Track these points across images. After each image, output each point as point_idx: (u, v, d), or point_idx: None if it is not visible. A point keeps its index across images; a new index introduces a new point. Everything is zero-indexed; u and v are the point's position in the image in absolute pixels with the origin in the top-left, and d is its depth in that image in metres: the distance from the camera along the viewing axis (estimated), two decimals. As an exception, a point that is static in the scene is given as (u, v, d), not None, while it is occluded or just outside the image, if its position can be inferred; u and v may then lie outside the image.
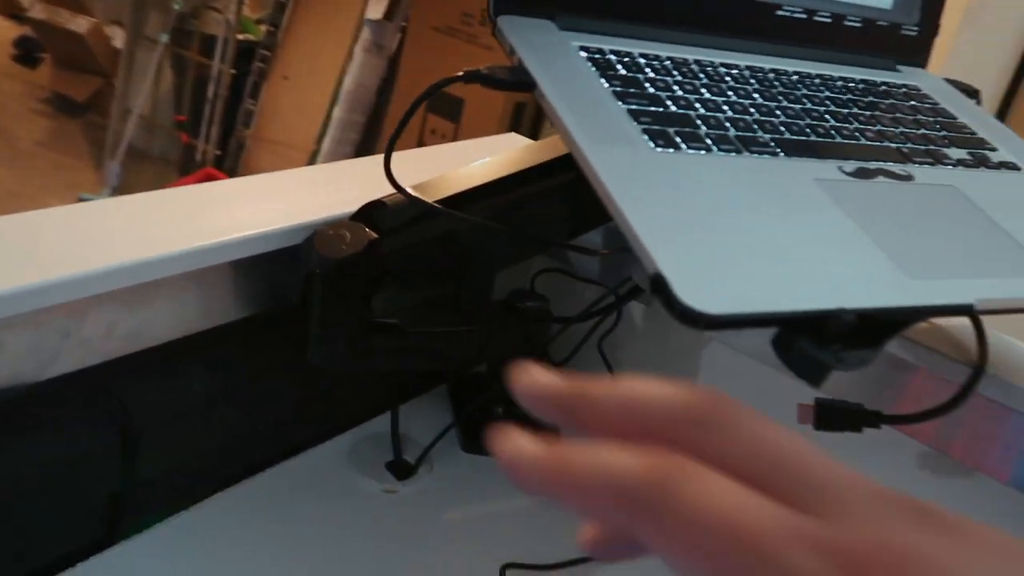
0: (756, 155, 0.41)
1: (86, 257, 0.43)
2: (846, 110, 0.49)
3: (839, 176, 0.42)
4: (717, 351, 0.65)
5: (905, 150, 0.47)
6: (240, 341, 0.55)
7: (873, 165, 0.44)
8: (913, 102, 0.55)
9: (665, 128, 0.40)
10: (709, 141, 0.41)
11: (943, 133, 0.51)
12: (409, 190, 0.48)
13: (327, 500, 0.58)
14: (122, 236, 0.47)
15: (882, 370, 0.54)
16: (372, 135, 2.64)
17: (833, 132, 0.46)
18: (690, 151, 0.40)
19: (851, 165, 0.44)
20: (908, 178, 0.45)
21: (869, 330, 0.33)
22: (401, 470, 0.63)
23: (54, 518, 0.48)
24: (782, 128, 0.45)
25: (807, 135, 0.45)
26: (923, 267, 0.37)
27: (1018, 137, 0.55)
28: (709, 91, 0.45)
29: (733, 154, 0.41)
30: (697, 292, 0.30)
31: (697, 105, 0.44)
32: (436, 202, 0.49)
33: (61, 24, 3.06)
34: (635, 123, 0.40)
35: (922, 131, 0.51)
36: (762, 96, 0.47)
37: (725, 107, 0.45)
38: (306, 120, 2.52)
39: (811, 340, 0.32)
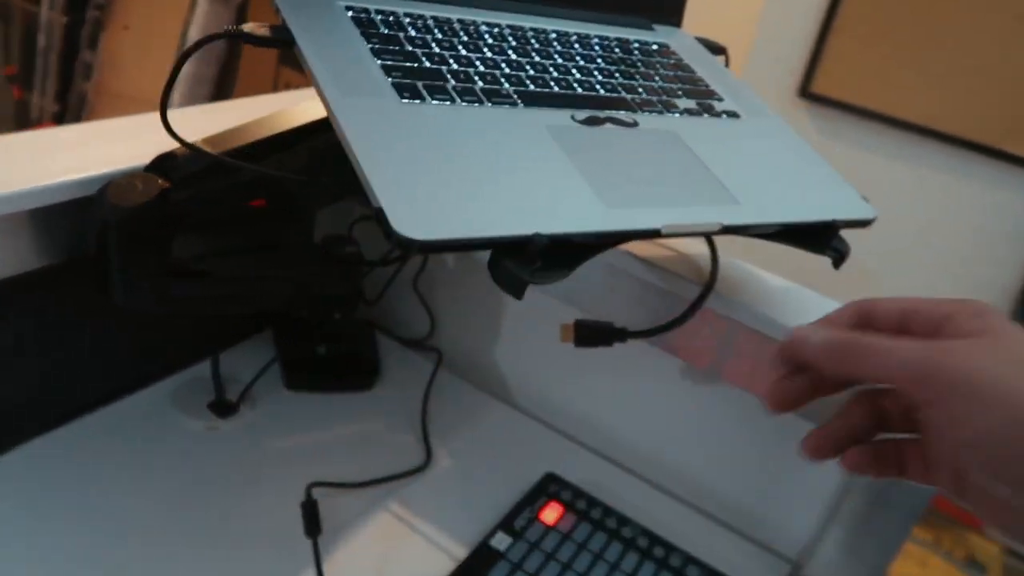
0: (497, 105, 0.48)
1: None
2: (592, 65, 0.56)
3: (570, 123, 0.49)
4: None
5: (637, 100, 0.55)
6: (47, 288, 0.57)
7: (604, 114, 0.52)
8: (659, 58, 0.62)
9: (414, 82, 0.46)
10: (455, 93, 0.47)
11: (678, 86, 0.60)
12: (192, 141, 0.51)
13: (151, 441, 0.62)
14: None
15: (638, 293, 0.63)
16: (226, 89, 2.56)
17: (575, 85, 0.53)
18: (434, 102, 0.45)
19: (583, 114, 0.51)
20: (633, 124, 0.52)
21: (563, 252, 0.40)
22: (223, 409, 0.67)
23: None
24: (528, 82, 0.51)
25: (550, 88, 0.52)
26: (621, 197, 0.44)
27: (748, 89, 0.64)
28: (465, 48, 0.51)
29: (476, 105, 0.47)
30: (410, 221, 0.36)
31: (451, 60, 0.49)
32: (223, 153, 0.53)
33: None
34: (387, 77, 0.45)
35: (659, 83, 0.59)
36: (516, 52, 0.53)
37: (478, 62, 0.50)
38: (150, 73, 2.41)
39: (513, 260, 0.39)
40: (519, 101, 0.49)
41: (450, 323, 0.79)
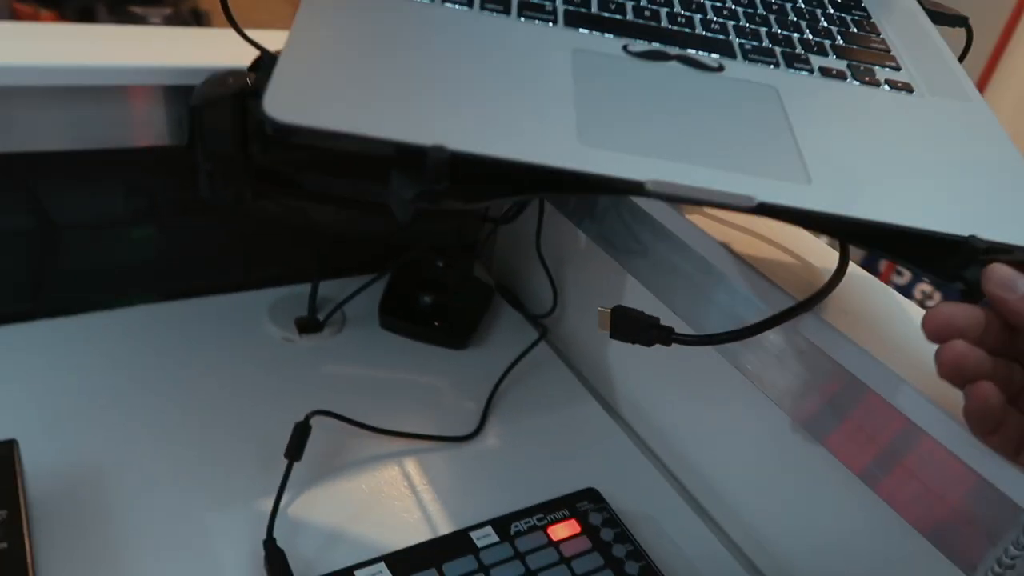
0: (527, 20, 0.40)
1: (26, 52, 0.52)
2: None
3: (616, 52, 0.39)
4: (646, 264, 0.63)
5: (748, 47, 0.43)
6: (166, 170, 0.63)
7: (675, 51, 0.41)
8: (834, 9, 0.48)
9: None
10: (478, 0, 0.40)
11: (835, 41, 0.45)
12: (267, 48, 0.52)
13: (231, 337, 0.65)
14: (64, 46, 0.55)
15: (727, 302, 0.50)
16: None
17: (665, 16, 0.43)
18: (446, 5, 0.39)
19: (642, 46, 0.40)
20: (716, 69, 0.40)
21: (479, 180, 0.32)
22: (308, 326, 0.68)
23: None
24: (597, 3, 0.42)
25: (620, 12, 0.42)
26: (610, 138, 0.34)
27: (958, 70, 0.46)
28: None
29: (494, 13, 0.40)
30: (284, 103, 0.31)
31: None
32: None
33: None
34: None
35: (807, 35, 0.45)
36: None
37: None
38: None
39: (403, 174, 0.31)
40: (558, 19, 0.40)
41: (570, 302, 0.71)
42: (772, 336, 0.49)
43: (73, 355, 0.60)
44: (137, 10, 2.27)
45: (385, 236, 0.68)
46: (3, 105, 0.54)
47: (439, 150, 0.31)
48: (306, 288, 0.69)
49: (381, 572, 0.47)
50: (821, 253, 0.50)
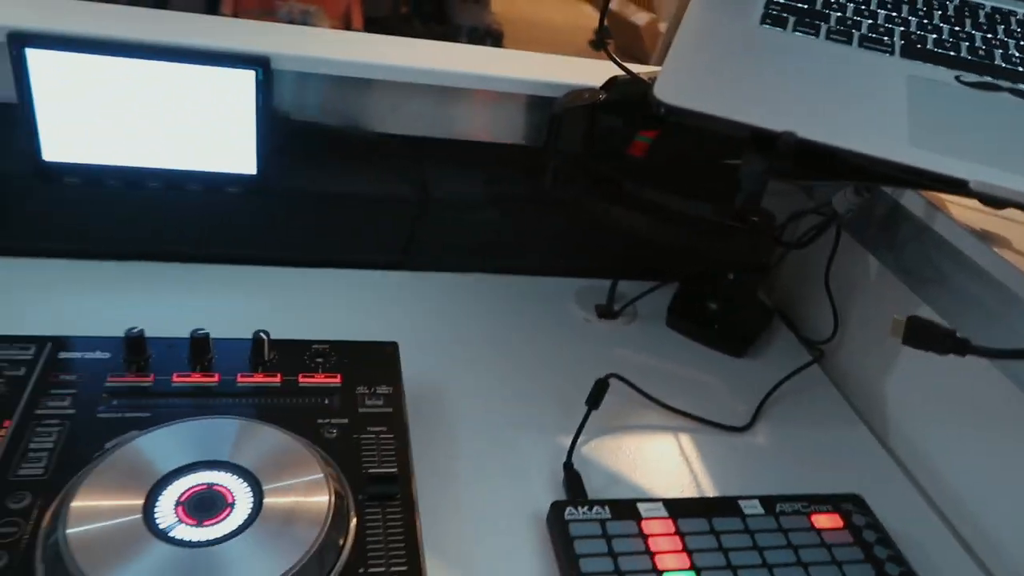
0: (868, 49, 0.47)
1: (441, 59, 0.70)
2: (1041, 44, 0.48)
3: (947, 80, 0.45)
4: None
5: (1083, 86, 0.46)
6: (517, 164, 0.77)
7: (1007, 84, 0.45)
8: None
9: (785, 15, 0.49)
10: (824, 31, 0.48)
11: None
12: (631, 68, 0.63)
13: (539, 310, 0.77)
14: (457, 58, 0.72)
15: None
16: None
17: (999, 55, 0.47)
18: (795, 33, 0.48)
19: (974, 78, 0.45)
20: (1048, 102, 0.44)
21: (819, 162, 0.39)
22: (606, 312, 0.78)
23: (369, 232, 0.77)
24: (929, 38, 0.48)
25: (953, 49, 0.47)
26: (935, 142, 0.40)
27: None
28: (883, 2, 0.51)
29: (839, 43, 0.47)
30: (669, 88, 0.41)
31: (850, 5, 0.50)
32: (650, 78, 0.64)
33: (625, 16, 3.65)
34: (763, 9, 0.49)
35: None
36: (940, 18, 0.50)
37: (882, 12, 0.50)
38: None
39: (757, 152, 0.40)
40: (895, 51, 0.47)
41: (851, 331, 0.75)
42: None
43: (428, 301, 0.75)
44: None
45: (684, 246, 0.77)
46: (410, 100, 0.71)
47: (789, 135, 0.39)
48: (607, 283, 0.80)
49: (659, 509, 0.54)
50: None
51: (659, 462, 0.61)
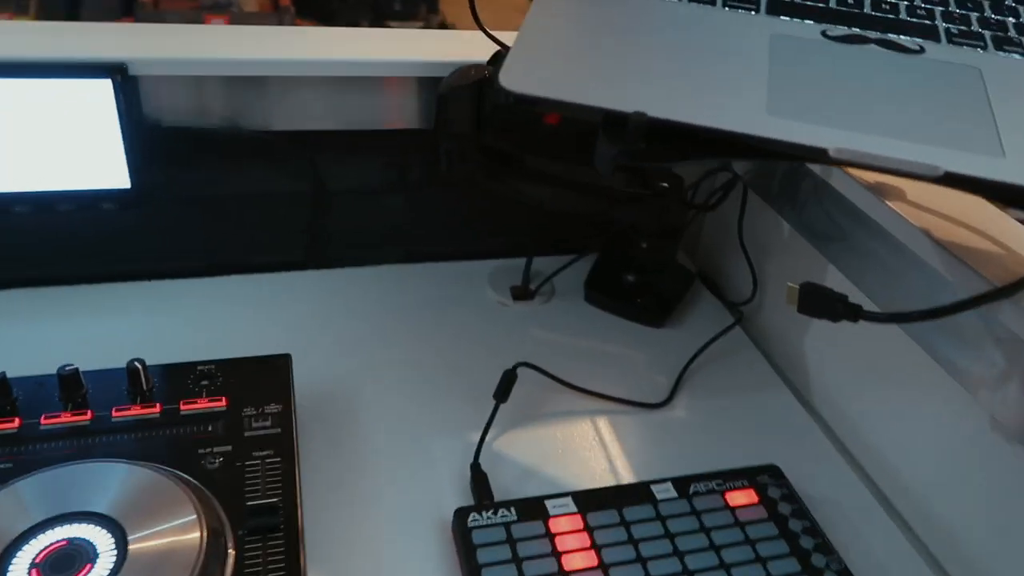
0: (732, 9, 0.44)
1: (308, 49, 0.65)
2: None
3: (814, 36, 0.42)
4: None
5: (955, 31, 0.43)
6: (415, 148, 0.73)
7: (875, 35, 0.42)
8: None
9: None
10: (686, -7, 0.45)
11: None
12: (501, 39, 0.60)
13: (451, 298, 0.75)
14: (337, 46, 0.68)
15: (923, 286, 0.50)
16: None
17: (867, 3, 0.45)
18: (654, -3, 0.44)
19: (841, 31, 0.43)
20: (917, 51, 0.42)
21: (675, 143, 0.37)
22: (521, 294, 0.76)
23: (265, 233, 0.74)
24: (798, -8, 0.45)
25: (821, 0, 0.45)
26: (797, 109, 0.37)
27: None
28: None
29: (701, 4, 0.44)
30: (515, 76, 0.38)
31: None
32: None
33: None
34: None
35: (1022, 20, 0.44)
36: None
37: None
38: None
39: (609, 136, 0.37)
40: (760, 8, 0.44)
41: (769, 291, 0.73)
42: (969, 323, 0.49)
43: (334, 300, 0.72)
44: (394, 24, 2.56)
45: (593, 216, 0.74)
46: (292, 93, 0.67)
47: (639, 115, 0.36)
48: (522, 261, 0.77)
49: (568, 505, 0.53)
50: (1036, 245, 0.49)
51: (573, 451, 0.60)
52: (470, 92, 0.64)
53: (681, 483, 0.55)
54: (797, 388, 0.69)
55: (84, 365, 0.54)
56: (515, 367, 0.61)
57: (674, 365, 0.69)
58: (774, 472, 0.57)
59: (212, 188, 0.71)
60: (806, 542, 0.52)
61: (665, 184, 0.69)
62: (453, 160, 0.68)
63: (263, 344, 0.62)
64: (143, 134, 0.63)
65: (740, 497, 0.55)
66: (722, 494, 0.55)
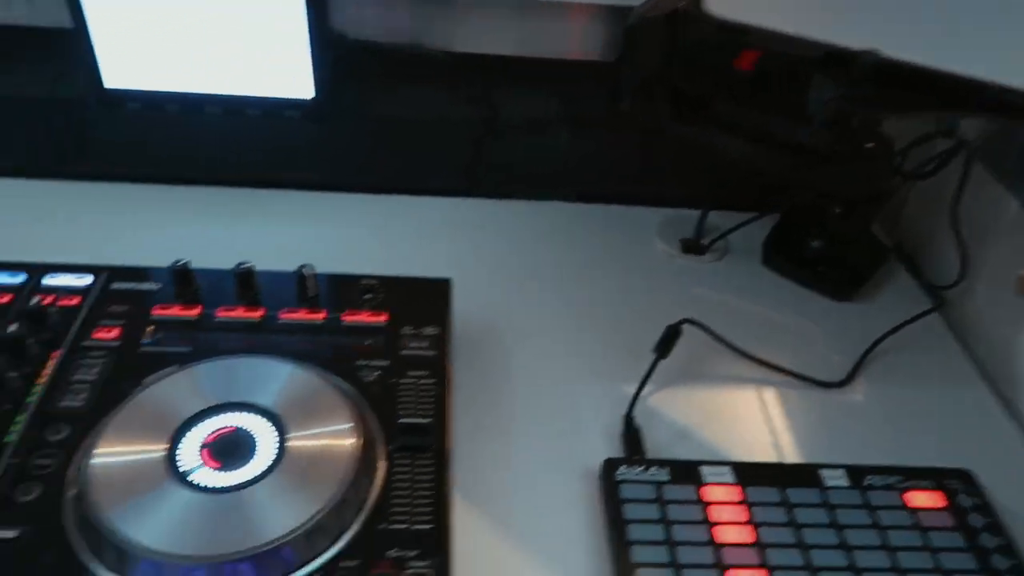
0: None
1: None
2: None
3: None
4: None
5: None
6: (592, 82, 0.70)
7: None
8: None
9: None
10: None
11: None
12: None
13: (616, 243, 0.71)
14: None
15: None
16: None
17: None
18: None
19: None
20: None
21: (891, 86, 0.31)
22: (692, 247, 0.71)
23: (433, 156, 0.73)
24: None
25: None
26: None
27: None
28: None
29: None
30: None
31: None
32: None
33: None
34: None
35: None
36: None
37: None
38: None
39: (828, 76, 0.31)
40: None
41: (981, 277, 0.64)
42: None
43: (495, 231, 0.71)
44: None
45: (785, 174, 0.67)
46: (476, 13, 0.65)
47: (870, 54, 0.31)
48: (693, 213, 0.72)
49: (725, 474, 0.49)
50: None
51: (734, 420, 0.55)
52: (663, 24, 0.59)
53: (856, 472, 0.50)
54: (1000, 389, 0.60)
55: (255, 264, 0.55)
56: (680, 323, 0.57)
57: (856, 344, 0.62)
58: (966, 477, 0.50)
59: (389, 107, 0.70)
60: (999, 562, 0.45)
61: (871, 145, 0.62)
62: (637, 98, 0.64)
63: (421, 265, 0.61)
64: (331, 47, 0.63)
65: (923, 499, 0.49)
66: (901, 492, 0.49)
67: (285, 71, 0.63)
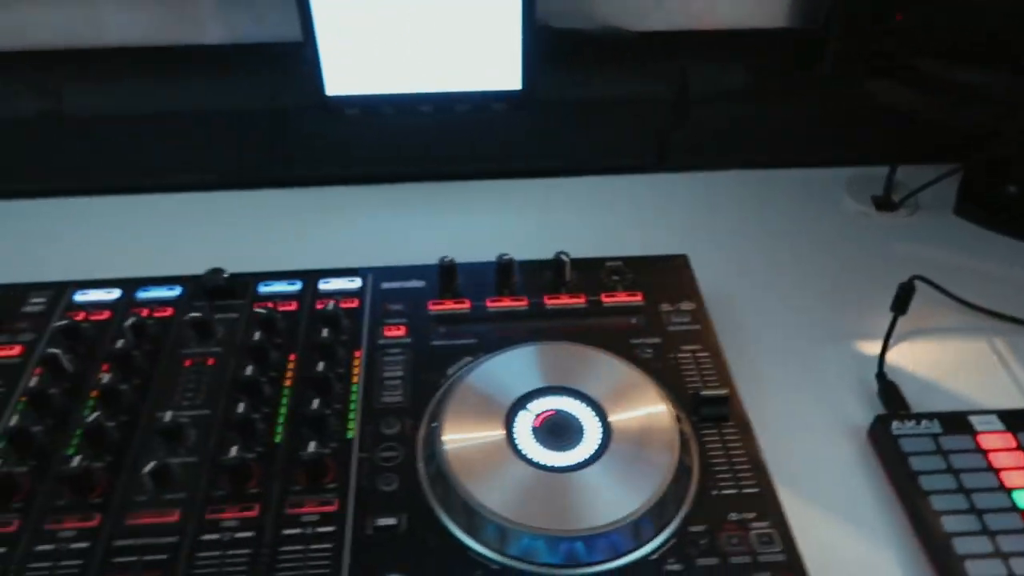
0: None
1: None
2: None
3: None
4: None
5: None
6: (776, 50, 0.71)
7: None
8: None
9: None
10: None
11: None
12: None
13: (809, 205, 0.73)
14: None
15: None
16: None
17: None
18: None
19: None
20: None
21: None
22: (884, 204, 0.73)
23: (620, 135, 0.75)
24: None
25: None
26: None
27: None
28: None
29: None
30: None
31: None
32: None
33: None
34: None
35: None
36: None
37: None
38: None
39: None
40: None
41: None
42: None
43: (690, 204, 0.73)
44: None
45: (982, 129, 0.69)
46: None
47: None
48: (879, 170, 0.73)
49: (994, 422, 0.51)
50: None
51: (979, 371, 0.58)
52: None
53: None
54: None
55: (464, 257, 0.58)
56: (911, 279, 0.60)
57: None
58: None
59: (583, 89, 0.73)
60: None
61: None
62: (840, 60, 0.65)
63: (636, 243, 0.63)
64: (539, 37, 0.66)
65: None
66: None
67: (495, 64, 0.66)
